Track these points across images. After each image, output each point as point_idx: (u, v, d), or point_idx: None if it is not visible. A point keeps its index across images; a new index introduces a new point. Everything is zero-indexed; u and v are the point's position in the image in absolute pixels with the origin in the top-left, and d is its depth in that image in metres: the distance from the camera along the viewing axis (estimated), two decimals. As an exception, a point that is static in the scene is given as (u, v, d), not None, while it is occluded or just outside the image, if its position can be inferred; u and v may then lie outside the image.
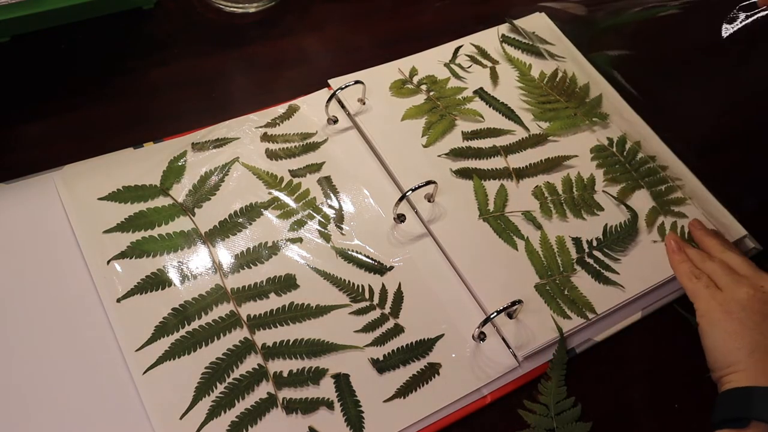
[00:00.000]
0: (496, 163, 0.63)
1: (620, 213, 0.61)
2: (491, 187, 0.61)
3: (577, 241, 0.58)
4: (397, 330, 0.52)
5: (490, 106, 0.67)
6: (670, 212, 0.61)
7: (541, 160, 0.63)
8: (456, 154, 0.62)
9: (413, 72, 0.68)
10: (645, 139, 0.66)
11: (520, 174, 0.62)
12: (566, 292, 0.55)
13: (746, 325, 0.49)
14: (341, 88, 0.63)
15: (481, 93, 0.68)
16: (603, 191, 0.62)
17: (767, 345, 0.49)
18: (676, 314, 0.57)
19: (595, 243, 0.59)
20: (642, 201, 0.62)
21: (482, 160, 0.63)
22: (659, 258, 0.58)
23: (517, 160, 0.63)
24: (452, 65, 0.70)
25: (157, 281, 0.51)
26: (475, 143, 0.64)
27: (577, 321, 0.54)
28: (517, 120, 0.66)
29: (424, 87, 0.67)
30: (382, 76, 0.67)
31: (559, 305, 0.55)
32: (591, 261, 0.57)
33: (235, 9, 0.72)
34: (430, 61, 0.70)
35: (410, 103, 0.66)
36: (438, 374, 0.51)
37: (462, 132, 0.64)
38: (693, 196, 0.63)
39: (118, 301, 0.50)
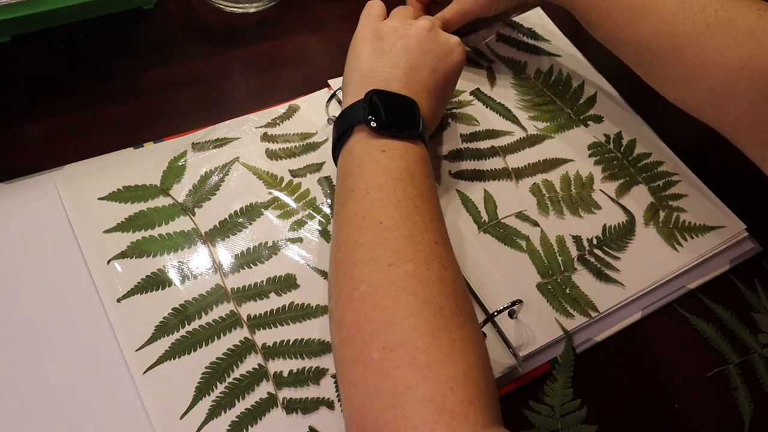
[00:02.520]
0: (495, 163, 0.63)
1: (618, 211, 0.61)
2: (478, 194, 0.60)
3: (577, 239, 0.58)
4: (398, 330, 0.52)
5: (487, 107, 0.67)
6: (669, 207, 0.61)
7: (539, 160, 0.63)
8: (454, 156, 0.62)
9: None
10: (641, 135, 0.66)
11: (519, 174, 0.62)
12: (568, 291, 0.55)
13: (374, 52, 0.54)
14: (341, 89, 0.63)
15: (477, 94, 0.68)
16: (600, 190, 0.62)
17: (382, 70, 0.53)
18: (676, 314, 0.57)
19: (595, 241, 0.59)
20: (640, 197, 0.62)
21: (481, 161, 0.62)
22: (659, 255, 0.58)
23: (516, 160, 0.63)
24: None
25: (157, 281, 0.51)
26: (474, 145, 0.63)
27: (580, 320, 0.54)
28: (514, 120, 0.66)
29: None
30: None
31: (561, 304, 0.54)
32: (592, 259, 0.57)
33: (235, 9, 0.72)
34: None
35: None
36: (438, 374, 0.51)
37: (461, 134, 0.64)
38: (692, 193, 0.63)
39: (119, 301, 0.50)
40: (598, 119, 0.67)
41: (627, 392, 0.53)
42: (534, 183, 0.62)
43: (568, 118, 0.67)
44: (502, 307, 0.52)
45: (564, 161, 0.64)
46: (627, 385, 0.53)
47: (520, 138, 0.65)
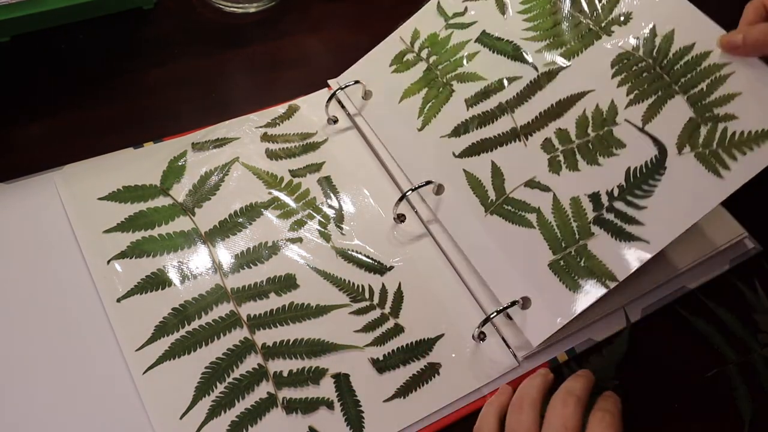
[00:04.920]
0: (503, 125, 0.58)
1: (646, 144, 0.52)
2: (485, 169, 0.57)
3: (594, 197, 0.53)
4: (397, 330, 0.52)
5: (494, 51, 0.61)
6: (714, 118, 0.51)
7: (551, 105, 0.57)
8: (459, 131, 0.59)
9: (415, 36, 0.65)
10: (682, 19, 0.54)
11: (528, 129, 0.57)
12: (583, 263, 0.51)
13: None
14: (341, 88, 0.63)
15: (483, 39, 0.62)
16: (626, 120, 0.53)
17: None
18: (676, 314, 0.57)
19: (616, 192, 0.52)
20: (676, 114, 0.52)
21: (487, 126, 0.59)
22: (697, 188, 0.50)
23: (525, 114, 0.57)
24: (452, 16, 0.65)
25: (157, 281, 0.51)
26: (480, 108, 0.59)
27: (595, 293, 0.50)
28: (523, 60, 0.59)
29: (425, 53, 0.64)
30: (382, 57, 0.65)
31: (575, 281, 0.51)
32: (611, 216, 0.52)
33: (235, 9, 0.72)
34: (432, 16, 0.65)
35: (409, 79, 0.63)
36: (438, 374, 0.51)
37: (465, 100, 0.60)
38: (748, 89, 0.50)
39: (118, 301, 0.50)
40: (626, 19, 0.57)
41: (626, 392, 0.53)
42: (545, 138, 0.56)
43: (587, 30, 0.58)
44: (500, 308, 0.52)
45: (581, 96, 0.56)
46: (627, 385, 0.53)
47: (531, 81, 0.58)
